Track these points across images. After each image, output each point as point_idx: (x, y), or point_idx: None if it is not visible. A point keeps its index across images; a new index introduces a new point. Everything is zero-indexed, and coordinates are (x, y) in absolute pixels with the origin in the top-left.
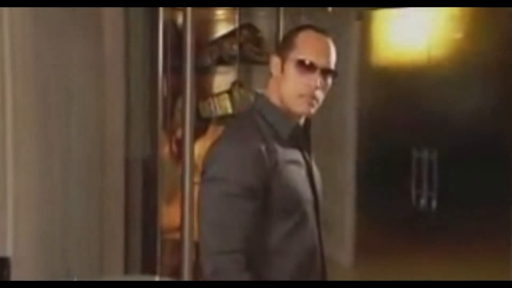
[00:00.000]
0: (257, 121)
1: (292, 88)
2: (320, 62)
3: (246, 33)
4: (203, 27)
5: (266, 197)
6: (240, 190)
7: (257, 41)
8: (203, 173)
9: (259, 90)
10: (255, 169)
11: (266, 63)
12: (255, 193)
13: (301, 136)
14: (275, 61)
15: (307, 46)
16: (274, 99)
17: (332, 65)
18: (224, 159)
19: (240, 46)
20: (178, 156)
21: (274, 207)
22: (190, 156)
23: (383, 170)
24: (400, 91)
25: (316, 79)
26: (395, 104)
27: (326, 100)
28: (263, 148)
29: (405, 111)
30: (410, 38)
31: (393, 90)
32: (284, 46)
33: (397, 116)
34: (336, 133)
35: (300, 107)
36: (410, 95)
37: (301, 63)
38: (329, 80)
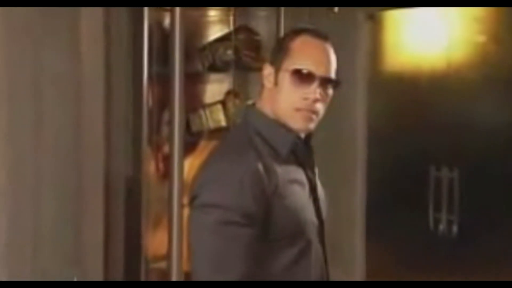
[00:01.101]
0: (251, 136)
1: (287, 101)
2: (319, 70)
3: (242, 36)
4: (194, 29)
5: (266, 224)
6: (237, 217)
7: (255, 45)
8: (194, 197)
9: (250, 101)
10: (253, 193)
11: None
12: (254, 220)
13: (302, 151)
14: (268, 70)
15: (304, 53)
16: (268, 111)
17: (333, 74)
18: (218, 181)
19: (236, 50)
20: (165, 175)
21: (275, 235)
22: (178, 175)
23: (396, 191)
24: (416, 101)
25: (314, 90)
26: (410, 116)
27: (330, 112)
28: (261, 168)
29: (421, 123)
30: (427, 41)
31: (408, 100)
32: (277, 54)
33: (413, 130)
34: (342, 150)
35: (297, 123)
36: (427, 106)
37: (297, 73)
38: (330, 91)
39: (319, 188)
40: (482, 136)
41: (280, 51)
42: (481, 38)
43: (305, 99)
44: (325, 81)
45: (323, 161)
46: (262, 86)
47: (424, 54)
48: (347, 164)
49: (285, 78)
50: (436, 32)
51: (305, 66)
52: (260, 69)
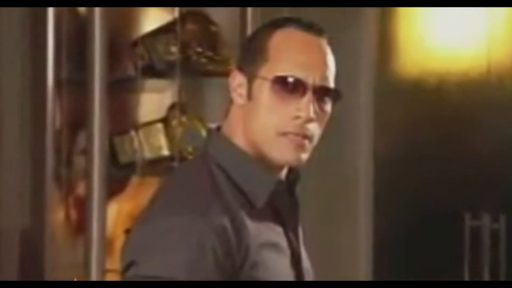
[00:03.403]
0: (214, 176)
1: (268, 122)
2: (312, 78)
3: (192, 26)
4: (122, 18)
5: None
6: None
7: (211, 39)
8: (130, 265)
9: (213, 125)
10: (217, 261)
11: (225, 74)
12: None
13: (284, 201)
14: (237, 80)
15: (289, 53)
16: (239, 139)
17: (331, 82)
18: (166, 244)
19: (183, 47)
20: (79, 227)
21: None
22: (99, 227)
23: (415, 248)
24: (442, 122)
25: (307, 105)
26: (435, 142)
27: (325, 137)
28: (228, 224)
29: (451, 153)
30: (460, 42)
31: (432, 120)
32: (249, 56)
33: (438, 161)
34: (340, 190)
35: (283, 153)
36: (460, 128)
37: (280, 82)
38: (328, 106)
39: (304, 257)
40: None
41: (254, 51)
42: None
43: (295, 118)
44: (321, 92)
45: (313, 207)
46: (229, 102)
47: (454, 59)
48: (346, 210)
49: (264, 90)
50: (471, 30)
51: (292, 71)
52: (218, 73)
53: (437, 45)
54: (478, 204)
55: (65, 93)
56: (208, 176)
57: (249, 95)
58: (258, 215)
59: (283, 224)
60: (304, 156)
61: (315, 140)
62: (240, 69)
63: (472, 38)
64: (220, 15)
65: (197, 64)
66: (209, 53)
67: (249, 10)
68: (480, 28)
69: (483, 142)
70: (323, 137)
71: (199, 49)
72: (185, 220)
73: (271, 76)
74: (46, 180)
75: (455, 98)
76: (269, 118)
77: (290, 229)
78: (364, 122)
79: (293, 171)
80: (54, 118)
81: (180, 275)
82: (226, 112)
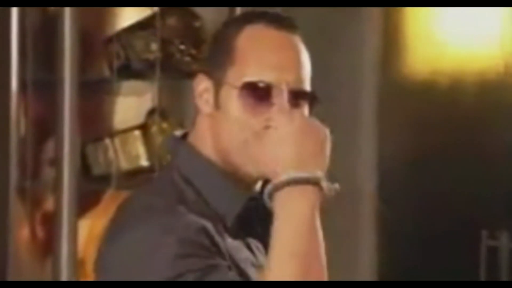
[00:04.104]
0: (181, 190)
1: (237, 133)
2: (285, 81)
3: (174, 21)
4: (95, 13)
5: None
6: None
7: (195, 36)
8: None
9: (178, 132)
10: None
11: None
12: None
13: (258, 213)
14: (202, 85)
15: (258, 55)
16: (207, 148)
17: (307, 84)
18: (136, 262)
19: (164, 44)
20: (47, 247)
21: None
22: (69, 247)
23: (426, 270)
24: (455, 127)
25: (279, 114)
26: (446, 150)
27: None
28: (195, 237)
29: (466, 162)
30: (474, 39)
31: (443, 125)
32: (215, 58)
33: (451, 172)
34: (339, 206)
35: (255, 166)
36: (475, 134)
37: (250, 88)
38: (305, 110)
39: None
40: None
41: (219, 52)
42: None
43: (267, 127)
44: (295, 98)
45: None
46: (196, 109)
47: (468, 57)
48: (346, 226)
49: (232, 97)
50: (486, 26)
51: (262, 75)
52: None
53: (449, 42)
54: (496, 221)
55: (30, 96)
56: (174, 191)
57: (217, 103)
58: (229, 231)
59: (257, 236)
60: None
61: None
62: (206, 72)
63: (487, 34)
64: (205, 9)
65: (180, 63)
66: (193, 51)
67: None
68: (495, 24)
69: (502, 150)
70: None
71: (182, 47)
72: (152, 238)
73: (238, 82)
74: (9, 194)
75: (469, 100)
76: (238, 128)
77: (264, 240)
78: (367, 128)
79: (269, 181)
80: (18, 124)
81: None
82: (194, 120)
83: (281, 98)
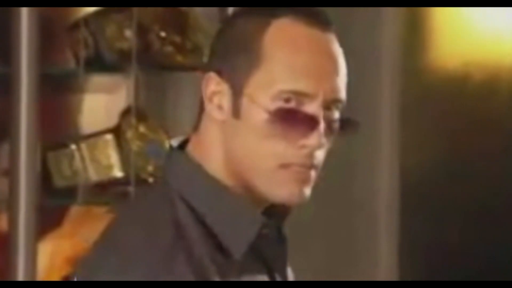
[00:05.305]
0: (178, 221)
1: (264, 152)
2: (322, 92)
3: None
4: None
5: None
6: None
7: (179, 21)
8: None
9: (175, 140)
10: None
11: (198, 68)
12: None
13: (270, 243)
14: (214, 87)
15: (291, 58)
16: (214, 165)
17: (344, 91)
18: None
19: (141, 31)
20: (1, 273)
21: None
22: (27, 274)
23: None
24: (487, 134)
25: (318, 130)
26: (477, 161)
27: (338, 156)
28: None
29: (501, 174)
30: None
31: (473, 132)
32: (232, 55)
33: (483, 186)
34: (357, 221)
35: (283, 190)
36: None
37: (285, 113)
38: (337, 123)
39: None
40: None
41: (237, 49)
42: None
43: (301, 147)
44: (332, 108)
45: (329, 232)
46: (200, 109)
47: (501, 50)
48: (365, 245)
49: (258, 111)
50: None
51: (297, 85)
52: (188, 67)
53: (481, 38)
54: None
55: None
56: (170, 224)
57: (235, 111)
58: (236, 266)
59: (268, 268)
60: (308, 191)
61: (319, 168)
62: (219, 72)
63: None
64: None
65: (160, 54)
66: (177, 39)
67: None
68: None
69: None
70: (336, 155)
71: (163, 34)
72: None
73: (272, 91)
74: None
75: (504, 102)
76: (265, 146)
77: (277, 273)
78: (387, 136)
79: (283, 209)
80: None
81: None
82: (195, 126)
83: (321, 110)
